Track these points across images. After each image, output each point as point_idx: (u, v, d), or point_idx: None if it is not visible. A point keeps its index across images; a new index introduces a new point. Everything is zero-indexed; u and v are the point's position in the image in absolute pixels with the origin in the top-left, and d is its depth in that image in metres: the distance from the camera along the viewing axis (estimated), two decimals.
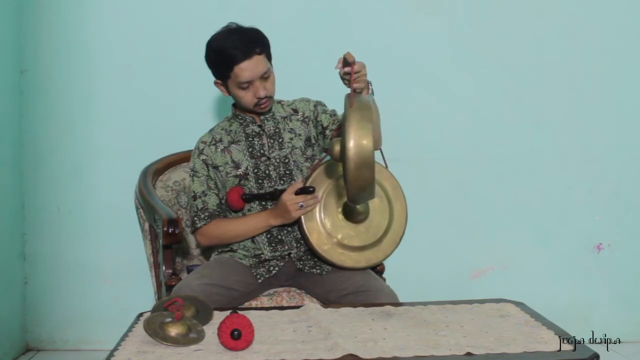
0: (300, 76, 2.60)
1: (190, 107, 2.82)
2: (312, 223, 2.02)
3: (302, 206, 1.98)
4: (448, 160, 2.92)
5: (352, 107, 1.63)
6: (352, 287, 1.98)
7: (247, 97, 2.06)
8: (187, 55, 2.77)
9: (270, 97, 2.08)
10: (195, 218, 2.12)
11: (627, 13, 2.90)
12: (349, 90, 1.76)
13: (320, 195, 2.03)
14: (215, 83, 2.14)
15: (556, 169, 2.94)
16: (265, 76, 2.04)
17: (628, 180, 2.96)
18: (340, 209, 2.04)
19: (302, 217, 2.01)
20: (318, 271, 2.08)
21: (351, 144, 1.60)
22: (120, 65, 2.84)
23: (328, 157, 2.00)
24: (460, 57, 2.89)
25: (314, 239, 2.01)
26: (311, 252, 2.08)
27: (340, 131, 1.83)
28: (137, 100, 2.84)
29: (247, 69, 2.01)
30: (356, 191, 1.67)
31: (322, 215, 2.03)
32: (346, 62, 1.74)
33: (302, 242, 2.11)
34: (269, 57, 2.08)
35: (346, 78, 1.78)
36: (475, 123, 2.91)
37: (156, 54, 2.83)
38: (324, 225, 2.02)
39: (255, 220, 2.08)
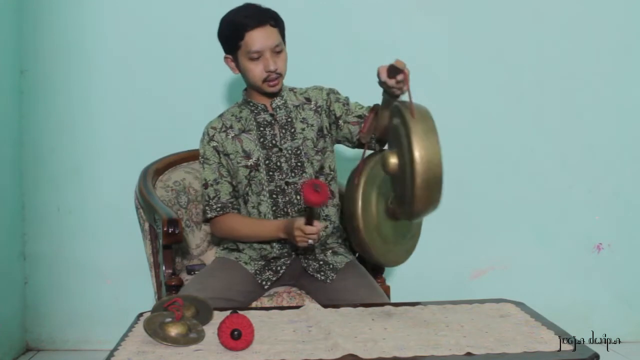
0: (300, 77, 2.59)
1: (191, 107, 2.82)
2: (369, 231, 1.84)
3: (306, 240, 1.90)
4: (448, 160, 2.88)
5: (415, 118, 1.53)
6: (356, 300, 1.92)
7: (257, 71, 2.02)
8: (188, 55, 2.78)
9: (280, 75, 2.04)
10: (207, 207, 2.09)
11: (627, 13, 2.90)
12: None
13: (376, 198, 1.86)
14: (225, 59, 2.09)
15: (556, 169, 2.94)
16: (277, 50, 2.01)
17: (628, 180, 2.96)
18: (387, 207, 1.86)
19: (361, 225, 1.83)
20: (322, 277, 2.05)
21: (419, 160, 1.49)
22: (120, 65, 2.84)
23: (369, 152, 1.88)
24: (460, 57, 2.89)
25: (374, 248, 1.84)
26: (366, 257, 1.96)
27: (394, 142, 1.68)
28: (137, 100, 2.84)
29: (258, 37, 1.98)
30: (421, 210, 1.55)
31: (378, 218, 1.85)
32: (395, 70, 1.64)
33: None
34: (282, 35, 2.05)
35: (398, 87, 1.67)
36: (475, 123, 2.91)
37: (156, 54, 2.83)
38: (379, 230, 1.86)
39: (267, 230, 2.03)
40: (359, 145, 2.07)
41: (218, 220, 2.09)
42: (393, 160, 1.63)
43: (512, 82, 2.90)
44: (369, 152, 1.90)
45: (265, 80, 2.03)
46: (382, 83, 1.68)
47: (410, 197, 1.54)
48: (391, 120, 1.70)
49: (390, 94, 1.71)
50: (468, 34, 2.88)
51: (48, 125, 2.87)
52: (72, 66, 2.84)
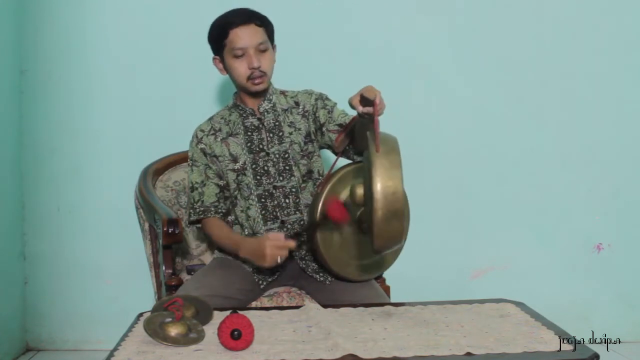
0: (299, 76, 2.60)
1: (191, 108, 2.81)
2: (329, 245, 1.91)
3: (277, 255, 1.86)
4: (448, 160, 2.92)
5: (379, 152, 1.52)
6: (356, 300, 1.92)
7: (241, 68, 2.01)
8: (188, 55, 2.78)
9: (265, 74, 2.02)
10: (191, 210, 2.10)
11: (627, 13, 2.90)
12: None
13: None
14: (214, 60, 2.11)
15: (556, 169, 2.94)
16: (262, 48, 2.01)
17: (628, 180, 2.96)
18: (354, 222, 1.90)
19: (319, 240, 1.90)
20: (322, 278, 2.05)
21: (380, 196, 1.49)
22: (120, 65, 2.84)
23: (337, 167, 1.92)
24: (460, 57, 2.89)
25: (329, 259, 1.93)
26: (328, 272, 2.02)
27: (364, 173, 1.70)
28: (137, 100, 2.84)
29: (243, 35, 1.99)
30: (383, 243, 1.56)
31: (338, 234, 1.91)
32: (366, 99, 1.62)
33: (302, 240, 2.08)
34: (269, 37, 2.05)
35: (366, 117, 1.67)
36: (475, 123, 2.91)
37: (156, 54, 2.83)
38: (340, 244, 1.92)
39: (229, 243, 2.03)
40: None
41: (202, 223, 2.11)
42: (360, 191, 1.65)
43: (512, 82, 2.90)
44: (347, 163, 1.90)
45: (249, 78, 2.03)
46: (352, 107, 1.69)
47: (370, 230, 1.55)
48: (365, 152, 1.68)
49: (360, 116, 1.72)
50: (468, 34, 2.88)
51: (48, 125, 2.87)
52: (72, 66, 2.84)
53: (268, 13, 2.11)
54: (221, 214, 2.10)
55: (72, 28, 2.83)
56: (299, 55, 2.75)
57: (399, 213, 1.51)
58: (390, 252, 1.96)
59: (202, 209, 2.08)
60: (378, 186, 1.50)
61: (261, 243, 1.87)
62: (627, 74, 2.92)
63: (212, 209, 2.08)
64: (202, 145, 2.11)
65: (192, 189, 2.11)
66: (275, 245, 1.85)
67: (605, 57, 2.91)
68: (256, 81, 2.03)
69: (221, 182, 2.10)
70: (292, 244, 1.87)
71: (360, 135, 1.87)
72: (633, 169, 2.96)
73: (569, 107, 2.93)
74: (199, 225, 2.16)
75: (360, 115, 1.70)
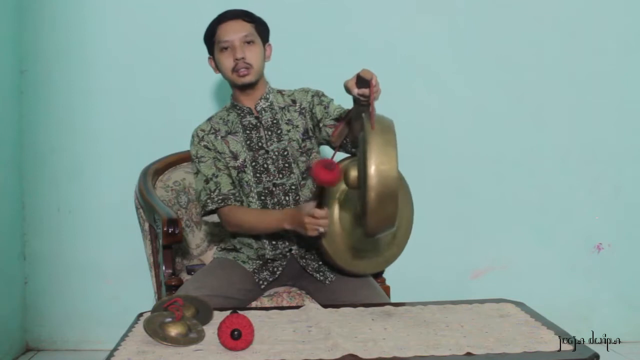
0: (298, 76, 2.60)
1: (190, 108, 2.81)
2: (331, 237, 1.90)
3: (319, 230, 1.85)
4: (448, 160, 2.92)
5: (374, 130, 1.49)
6: (356, 300, 1.92)
7: (227, 62, 2.03)
8: (187, 55, 2.78)
9: (251, 66, 2.02)
10: (208, 200, 2.05)
11: (627, 13, 2.90)
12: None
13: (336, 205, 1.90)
14: (208, 60, 2.13)
15: (556, 169, 2.94)
16: (248, 40, 2.02)
17: (628, 180, 2.96)
18: (355, 216, 1.90)
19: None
20: (321, 277, 2.05)
21: (373, 173, 1.45)
22: (120, 65, 2.84)
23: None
24: (460, 57, 2.89)
25: (332, 252, 1.92)
26: (330, 265, 2.02)
27: (358, 155, 1.68)
28: (137, 100, 2.84)
29: (229, 29, 2.02)
30: (376, 224, 1.52)
31: (339, 226, 1.91)
32: (362, 80, 1.61)
33: (303, 238, 2.07)
34: (260, 34, 2.06)
35: (363, 99, 1.66)
36: (475, 123, 2.91)
37: (156, 54, 2.83)
38: (343, 237, 1.92)
39: (270, 220, 2.00)
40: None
41: (223, 212, 2.06)
42: (353, 173, 1.62)
43: (512, 82, 2.90)
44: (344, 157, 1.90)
45: (234, 70, 2.03)
46: (347, 90, 1.69)
47: (364, 211, 1.52)
48: (360, 133, 1.67)
49: (356, 103, 1.71)
50: (468, 34, 2.88)
51: (48, 125, 2.87)
52: (72, 66, 2.84)
53: (268, 13, 2.11)
54: (239, 202, 2.08)
55: (72, 28, 2.83)
56: (299, 55, 2.75)
57: (394, 194, 1.48)
58: (394, 245, 1.97)
59: (220, 197, 2.05)
60: (372, 164, 1.47)
61: (300, 218, 1.85)
62: (627, 74, 2.92)
63: (231, 196, 2.06)
64: (205, 143, 2.11)
65: (206, 180, 2.07)
66: (311, 222, 1.83)
67: (605, 57, 2.91)
68: (241, 72, 2.03)
69: (232, 174, 2.09)
70: (325, 213, 1.83)
71: (356, 123, 1.85)
72: (633, 169, 2.96)
73: (569, 107, 2.93)
74: (210, 218, 2.10)
75: (355, 100, 1.70)
